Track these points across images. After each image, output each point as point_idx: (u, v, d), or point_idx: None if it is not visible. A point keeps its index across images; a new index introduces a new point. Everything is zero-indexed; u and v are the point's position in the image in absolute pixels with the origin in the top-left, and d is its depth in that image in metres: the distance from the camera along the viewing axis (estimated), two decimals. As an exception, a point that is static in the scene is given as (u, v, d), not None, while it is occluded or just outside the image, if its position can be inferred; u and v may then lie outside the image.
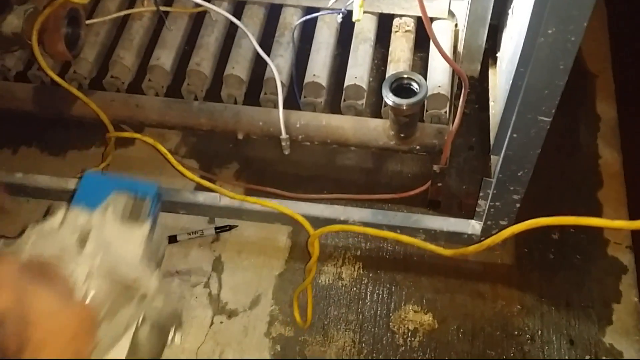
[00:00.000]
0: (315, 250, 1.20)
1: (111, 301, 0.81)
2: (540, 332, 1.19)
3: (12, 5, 1.25)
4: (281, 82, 1.27)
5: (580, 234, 1.29)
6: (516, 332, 1.19)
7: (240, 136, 1.29)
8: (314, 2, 1.39)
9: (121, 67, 1.35)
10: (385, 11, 1.39)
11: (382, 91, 1.13)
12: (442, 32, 1.34)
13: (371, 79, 1.38)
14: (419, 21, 1.38)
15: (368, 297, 1.24)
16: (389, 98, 1.12)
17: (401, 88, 1.14)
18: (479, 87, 1.43)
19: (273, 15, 1.43)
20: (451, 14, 1.36)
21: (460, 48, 1.34)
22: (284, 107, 1.25)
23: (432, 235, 1.25)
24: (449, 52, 1.31)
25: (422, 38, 1.35)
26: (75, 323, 0.71)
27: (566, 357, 1.17)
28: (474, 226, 1.23)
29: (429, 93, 1.24)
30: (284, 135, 1.25)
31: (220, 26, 1.40)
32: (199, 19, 1.43)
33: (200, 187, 1.31)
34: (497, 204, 1.11)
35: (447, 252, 1.15)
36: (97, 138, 1.41)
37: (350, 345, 1.19)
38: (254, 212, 1.26)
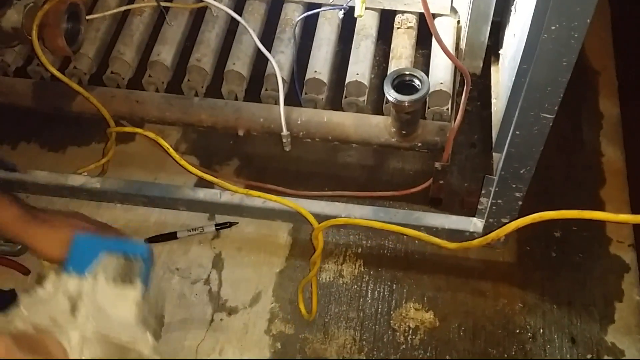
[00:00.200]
0: (320, 243, 1.20)
1: None
2: (541, 330, 1.19)
3: (12, 0, 1.25)
4: (282, 78, 1.27)
5: (583, 232, 1.29)
6: (518, 331, 1.19)
7: (240, 133, 1.29)
8: (315, -2, 1.39)
9: (121, 62, 1.35)
10: (387, 7, 1.38)
11: (383, 88, 1.12)
12: (444, 29, 1.34)
13: (373, 76, 1.37)
14: (421, 17, 1.38)
15: (369, 295, 1.23)
16: (391, 95, 1.11)
17: (403, 85, 1.13)
18: (481, 84, 1.42)
19: (274, 11, 1.42)
20: (454, 10, 1.36)
21: (462, 45, 1.34)
22: (285, 104, 1.25)
23: (434, 233, 1.24)
24: (451, 48, 1.30)
25: (424, 35, 1.34)
26: None
27: (568, 356, 1.17)
28: (475, 224, 1.22)
29: (431, 90, 1.23)
30: (284, 131, 1.25)
31: (221, 22, 1.39)
32: (199, 14, 1.43)
33: (201, 183, 1.30)
34: (499, 201, 1.11)
35: (451, 245, 1.15)
36: (96, 134, 1.40)
37: (351, 343, 1.18)
38: (255, 208, 1.25)
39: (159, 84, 1.35)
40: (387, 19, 1.41)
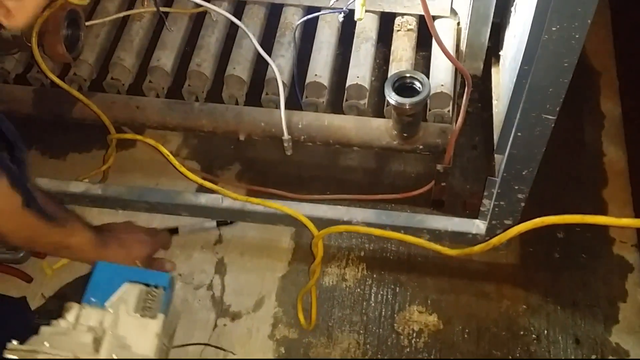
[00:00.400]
0: (320, 252, 1.19)
1: None
2: (546, 331, 1.19)
3: (11, 8, 1.25)
4: (283, 82, 1.27)
5: (586, 233, 1.28)
6: (522, 332, 1.19)
7: (241, 137, 1.29)
8: (315, 1, 1.38)
9: (121, 68, 1.35)
10: (387, 10, 1.38)
11: (384, 90, 1.12)
12: (444, 31, 1.34)
13: (373, 79, 1.37)
14: (421, 20, 1.38)
15: (372, 298, 1.23)
16: (392, 97, 1.11)
17: (404, 87, 1.13)
18: (482, 86, 1.42)
19: (274, 15, 1.42)
20: (453, 12, 1.36)
21: (462, 46, 1.34)
22: (286, 108, 1.25)
23: (437, 235, 1.24)
24: (451, 50, 1.30)
25: (425, 37, 1.34)
26: None
27: (572, 357, 1.16)
28: (478, 226, 1.22)
29: (432, 92, 1.23)
30: (286, 135, 1.25)
31: (220, 26, 1.39)
32: (199, 19, 1.43)
33: (203, 188, 1.30)
34: (502, 203, 1.11)
35: (452, 252, 1.15)
36: (97, 140, 1.40)
37: (355, 347, 1.18)
38: (257, 213, 1.25)
39: (159, 90, 1.35)
40: (387, 21, 1.40)
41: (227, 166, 1.40)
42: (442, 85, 1.26)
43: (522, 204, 1.10)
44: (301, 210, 1.24)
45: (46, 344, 0.87)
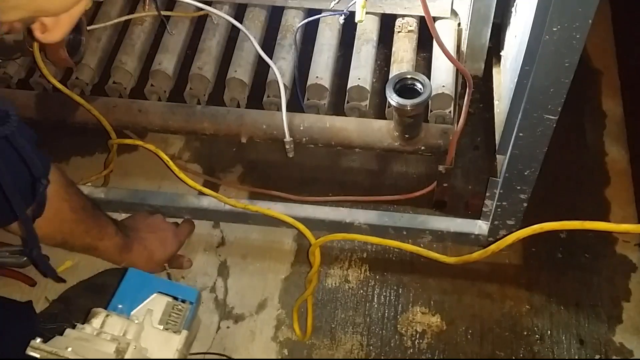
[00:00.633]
0: (317, 260, 1.20)
1: None
2: (549, 332, 1.18)
3: (13, 13, 1.25)
4: (284, 84, 1.27)
5: (588, 233, 1.27)
6: (525, 333, 1.18)
7: (243, 140, 1.29)
8: (315, 3, 1.38)
9: (123, 72, 1.35)
10: (388, 12, 1.38)
11: (385, 92, 1.12)
12: (445, 32, 1.34)
13: (374, 80, 1.37)
14: (421, 21, 1.38)
15: (375, 300, 1.23)
16: (393, 99, 1.11)
17: (405, 88, 1.13)
18: (483, 86, 1.42)
19: (275, 17, 1.42)
20: (454, 13, 1.36)
21: (463, 47, 1.34)
22: (287, 110, 1.25)
23: (439, 236, 1.24)
24: (452, 51, 1.30)
25: (425, 38, 1.34)
26: None
27: (576, 357, 1.16)
28: (480, 226, 1.22)
29: (433, 93, 1.23)
30: (287, 138, 1.25)
31: (221, 29, 1.39)
32: (200, 22, 1.43)
33: (203, 193, 1.30)
34: (504, 203, 1.11)
35: (450, 259, 1.15)
36: (100, 144, 1.40)
37: (358, 348, 1.18)
38: (259, 216, 1.25)
39: (161, 93, 1.35)
40: (387, 23, 1.41)
41: (229, 169, 1.40)
42: (443, 86, 1.26)
43: (525, 205, 1.10)
44: (303, 212, 1.24)
45: (69, 349, 0.88)
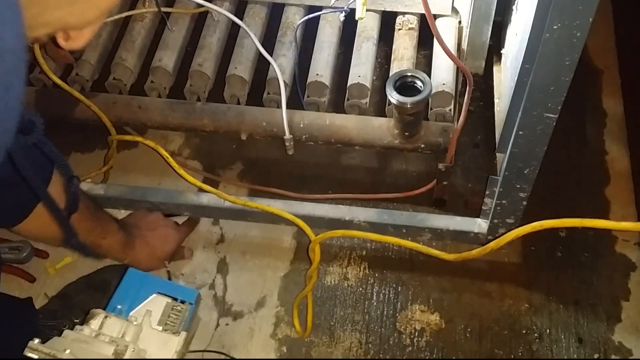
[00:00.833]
0: (316, 257, 1.20)
1: None
2: (548, 330, 1.18)
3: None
4: (284, 81, 1.27)
5: (588, 231, 1.28)
6: (524, 331, 1.18)
7: (243, 137, 1.29)
8: (316, 0, 1.38)
9: (123, 68, 1.35)
10: (388, 9, 1.38)
11: (386, 89, 1.12)
12: (445, 30, 1.34)
13: (375, 78, 1.37)
14: (422, 19, 1.38)
15: (374, 297, 1.23)
16: (393, 96, 1.11)
17: (405, 86, 1.13)
18: (483, 84, 1.42)
19: (275, 14, 1.42)
20: (455, 11, 1.36)
21: (464, 45, 1.34)
22: (287, 107, 1.25)
23: (438, 234, 1.24)
24: (453, 49, 1.30)
25: (426, 36, 1.34)
26: None
27: (575, 356, 1.16)
28: (480, 224, 1.22)
29: (434, 91, 1.23)
30: (287, 135, 1.25)
31: (222, 26, 1.39)
32: (200, 19, 1.43)
33: (203, 190, 1.30)
34: (504, 201, 1.10)
35: (449, 256, 1.15)
36: (100, 140, 1.40)
37: (356, 346, 1.18)
38: (259, 213, 1.25)
39: (161, 90, 1.35)
40: (388, 20, 1.40)
41: (229, 166, 1.40)
42: (443, 84, 1.26)
43: (524, 203, 1.09)
44: (303, 209, 1.24)
45: (67, 351, 0.88)
